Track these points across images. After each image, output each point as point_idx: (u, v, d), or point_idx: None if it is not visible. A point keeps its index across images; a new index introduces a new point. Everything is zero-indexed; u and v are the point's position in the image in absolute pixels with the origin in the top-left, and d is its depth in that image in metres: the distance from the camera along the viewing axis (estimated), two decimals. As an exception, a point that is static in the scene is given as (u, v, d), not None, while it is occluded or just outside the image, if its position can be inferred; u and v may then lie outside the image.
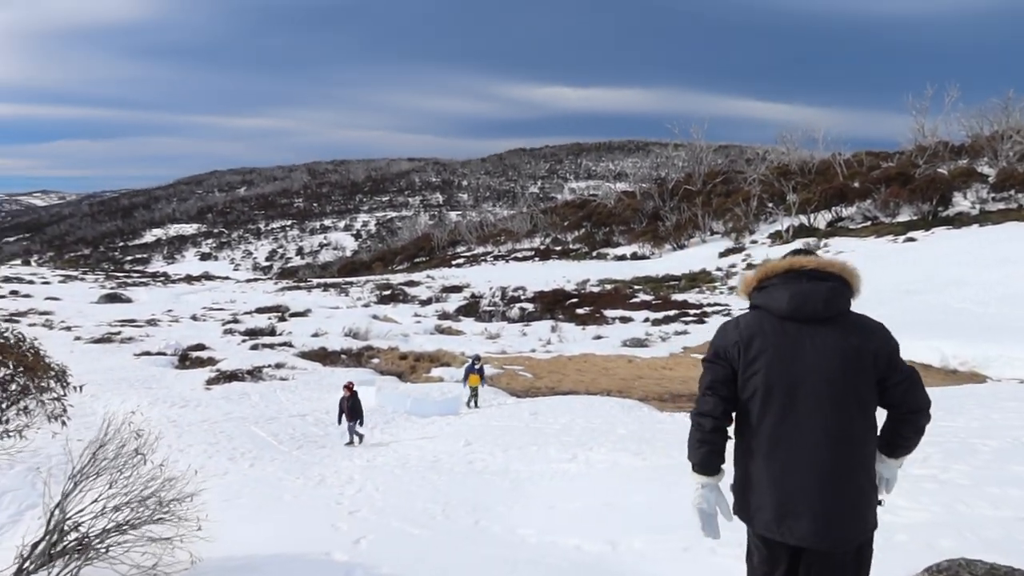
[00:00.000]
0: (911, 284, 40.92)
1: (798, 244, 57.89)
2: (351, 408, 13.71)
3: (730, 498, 2.98)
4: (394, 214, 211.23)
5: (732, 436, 2.94)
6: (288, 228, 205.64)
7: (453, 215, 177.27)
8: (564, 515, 6.95)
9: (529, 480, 8.86)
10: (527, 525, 6.78)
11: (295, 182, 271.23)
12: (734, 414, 2.91)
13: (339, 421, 13.86)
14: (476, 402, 18.10)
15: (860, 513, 2.77)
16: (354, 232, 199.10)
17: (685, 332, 34.47)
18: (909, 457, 3.02)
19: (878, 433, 2.90)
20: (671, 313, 40.16)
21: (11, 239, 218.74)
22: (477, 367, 18.68)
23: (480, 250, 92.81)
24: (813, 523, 2.72)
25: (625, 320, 39.47)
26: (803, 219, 65.53)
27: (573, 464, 9.43)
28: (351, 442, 13.55)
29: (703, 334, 33.37)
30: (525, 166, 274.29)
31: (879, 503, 2.88)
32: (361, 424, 13.78)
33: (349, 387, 14.26)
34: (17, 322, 34.90)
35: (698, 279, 53.52)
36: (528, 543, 6.24)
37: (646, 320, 38.56)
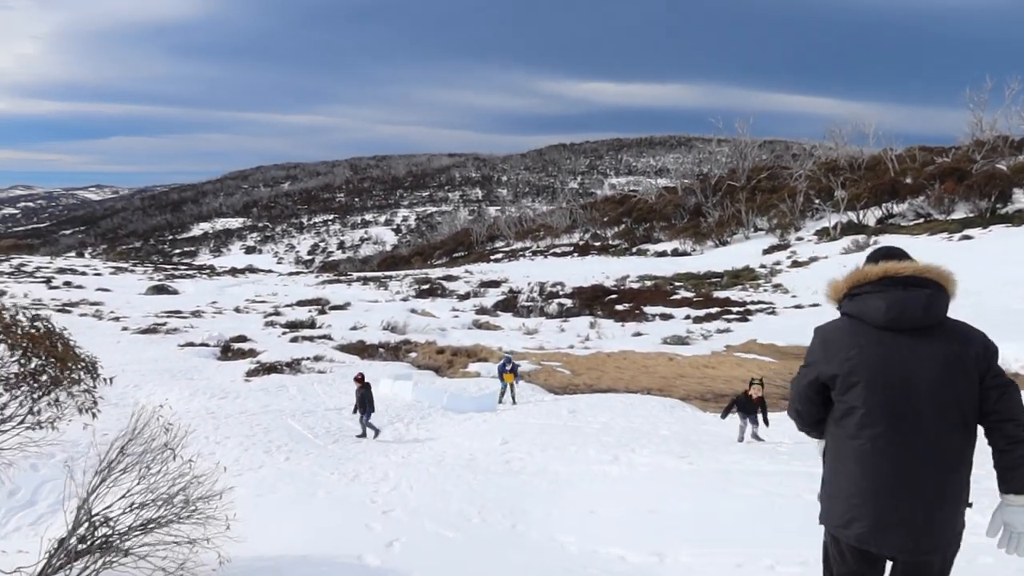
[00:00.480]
0: (966, 283, 38.95)
1: (846, 242, 56.47)
2: (362, 400, 13.49)
3: (816, 507, 3.01)
4: (434, 209, 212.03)
5: (825, 442, 2.99)
6: (330, 223, 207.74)
7: (492, 210, 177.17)
8: (606, 522, 6.63)
9: (568, 482, 8.55)
10: (567, 531, 6.48)
11: (337, 177, 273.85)
12: (830, 425, 2.93)
13: (354, 411, 13.77)
14: (513, 397, 17.83)
15: (954, 524, 2.77)
16: (394, 227, 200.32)
17: (728, 330, 33.75)
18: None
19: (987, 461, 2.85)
20: (713, 310, 39.42)
21: (67, 232, 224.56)
22: (509, 368, 18.38)
23: (519, 245, 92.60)
24: (911, 536, 2.71)
25: (666, 317, 38.83)
26: (851, 216, 63.91)
27: (614, 466, 9.09)
28: (363, 434, 13.36)
29: (746, 332, 32.65)
30: (565, 161, 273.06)
31: (969, 505, 2.83)
32: (371, 416, 13.53)
33: (360, 378, 14.01)
34: (69, 312, 35.76)
35: (741, 276, 52.53)
36: (568, 551, 5.94)
37: (687, 317, 37.89)
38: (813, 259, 55.19)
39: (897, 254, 2.97)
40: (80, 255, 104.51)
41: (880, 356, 2.73)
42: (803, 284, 46.50)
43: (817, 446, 3.12)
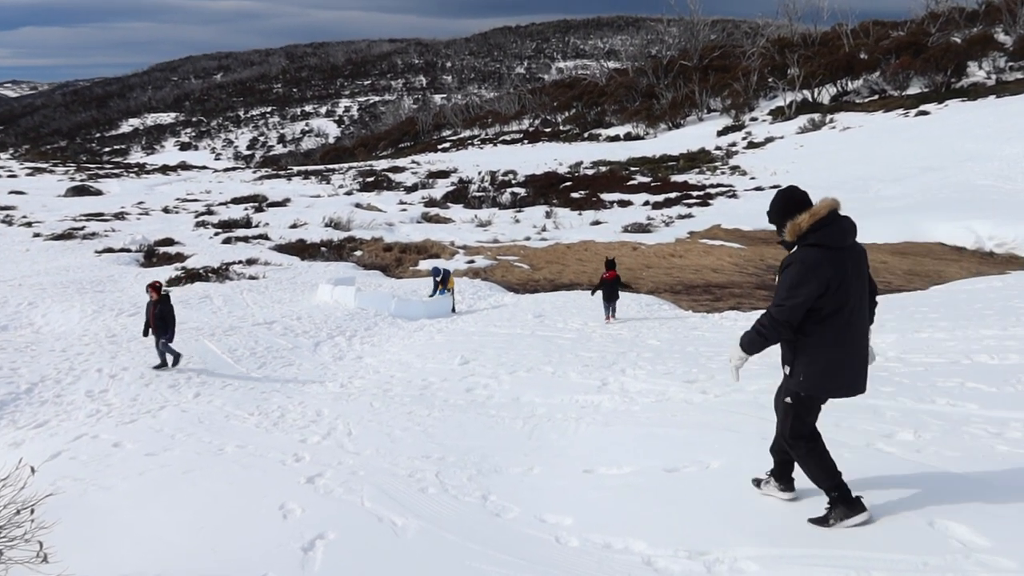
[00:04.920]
0: (927, 160, 38.37)
1: (802, 121, 54.95)
2: (159, 317, 10.22)
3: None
4: (377, 98, 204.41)
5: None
6: (268, 115, 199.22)
7: (438, 98, 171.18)
8: (610, 492, 4.85)
9: (549, 420, 6.74)
10: (559, 507, 4.68)
11: (273, 67, 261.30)
12: (813, 326, 3.83)
13: (144, 333, 10.53)
14: (454, 306, 15.95)
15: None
16: (336, 118, 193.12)
17: (689, 215, 32.30)
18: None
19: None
20: (672, 196, 37.86)
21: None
22: (440, 277, 16.38)
23: (467, 134, 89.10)
24: (862, 381, 3.98)
25: (624, 204, 37.13)
26: (806, 94, 62.18)
27: (604, 395, 7.28)
28: (162, 364, 10.31)
29: (709, 217, 31.17)
30: (511, 46, 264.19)
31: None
32: (169, 340, 10.35)
33: (156, 287, 10.55)
34: (-28, 218, 32.33)
35: (697, 159, 50.81)
36: (566, 546, 4.15)
37: (646, 204, 36.32)
38: (769, 139, 53.61)
39: (806, 195, 3.92)
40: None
41: (844, 267, 3.78)
42: (760, 165, 45.04)
43: (740, 362, 4.13)
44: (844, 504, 3.89)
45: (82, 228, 29.97)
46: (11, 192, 43.13)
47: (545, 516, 4.59)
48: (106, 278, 19.23)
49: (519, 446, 6.13)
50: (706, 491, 4.59)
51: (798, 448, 4.05)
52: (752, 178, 42.10)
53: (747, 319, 11.40)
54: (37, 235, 28.26)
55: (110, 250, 24.79)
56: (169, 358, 10.37)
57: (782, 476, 4.32)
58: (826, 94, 62.66)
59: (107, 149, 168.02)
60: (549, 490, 5.06)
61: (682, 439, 5.56)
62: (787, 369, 4.01)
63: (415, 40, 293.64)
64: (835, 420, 5.52)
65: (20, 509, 3.64)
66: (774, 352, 8.63)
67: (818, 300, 3.70)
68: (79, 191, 45.42)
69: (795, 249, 3.84)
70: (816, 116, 54.80)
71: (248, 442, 6.82)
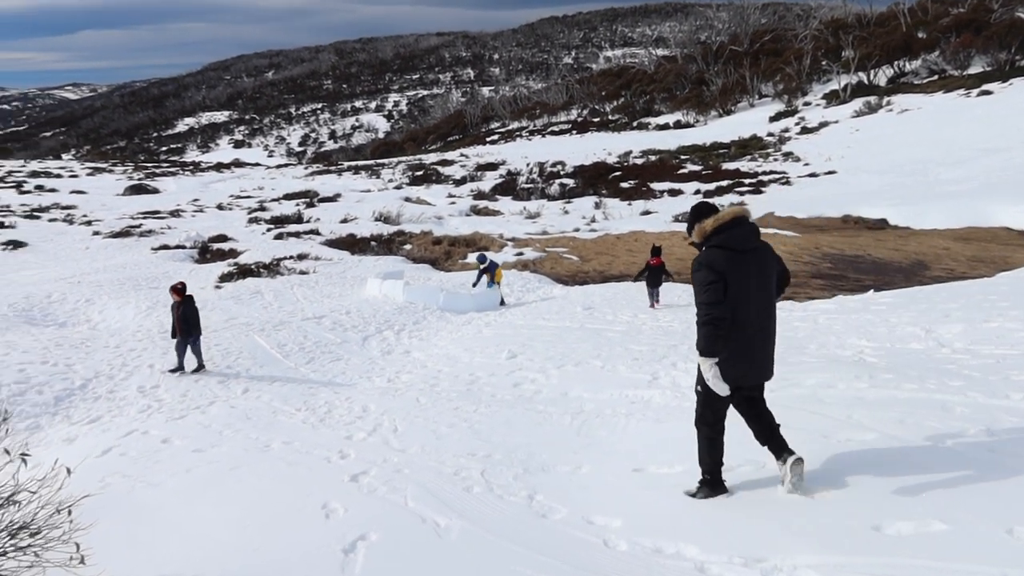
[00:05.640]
0: (990, 141, 36.85)
1: (858, 104, 53.38)
2: (183, 319, 9.96)
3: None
4: (425, 92, 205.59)
5: None
6: (319, 112, 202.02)
7: (485, 91, 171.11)
8: (661, 493, 4.65)
9: (597, 415, 6.56)
10: (608, 508, 4.50)
11: (323, 63, 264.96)
12: None
13: (172, 335, 10.16)
14: (502, 298, 15.80)
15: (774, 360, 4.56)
16: (385, 113, 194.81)
17: (742, 203, 31.48)
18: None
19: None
20: (724, 183, 37.14)
21: (48, 133, 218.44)
22: (484, 266, 16.20)
23: (515, 125, 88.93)
24: (765, 370, 4.48)
25: (674, 193, 36.54)
26: (862, 76, 60.37)
27: (655, 390, 7.06)
28: (179, 368, 9.99)
29: (761, 205, 30.43)
30: (558, 36, 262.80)
31: None
32: (197, 340, 10.10)
33: (177, 289, 10.26)
34: (38, 218, 33.42)
35: (749, 146, 49.74)
36: (615, 550, 3.97)
37: (697, 192, 35.66)
38: (823, 124, 52.19)
39: (715, 207, 4.41)
40: (57, 157, 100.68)
41: (741, 267, 4.17)
42: (814, 151, 43.85)
43: (713, 368, 4.27)
44: (711, 487, 4.49)
45: (139, 226, 30.70)
46: (72, 192, 44.51)
47: (593, 517, 4.42)
48: (161, 275, 19.62)
49: (567, 443, 5.97)
50: (762, 492, 4.36)
51: (700, 432, 4.56)
52: (806, 164, 41.02)
53: (803, 309, 11.03)
54: (96, 233, 29.02)
55: (165, 247, 25.32)
56: (192, 362, 10.14)
57: (777, 450, 4.44)
58: (883, 76, 60.77)
59: (164, 148, 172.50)
60: (597, 489, 4.88)
61: (736, 436, 5.31)
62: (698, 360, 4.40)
63: (462, 33, 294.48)
64: (900, 416, 5.22)
65: (59, 509, 3.61)
66: (833, 344, 8.30)
67: (730, 297, 4.11)
68: (137, 190, 46.64)
69: (703, 250, 4.33)
70: (872, 99, 53.17)
71: (294, 438, 6.80)
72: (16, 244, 25.41)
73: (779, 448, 4.41)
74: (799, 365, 6.99)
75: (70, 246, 26.04)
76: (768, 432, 4.49)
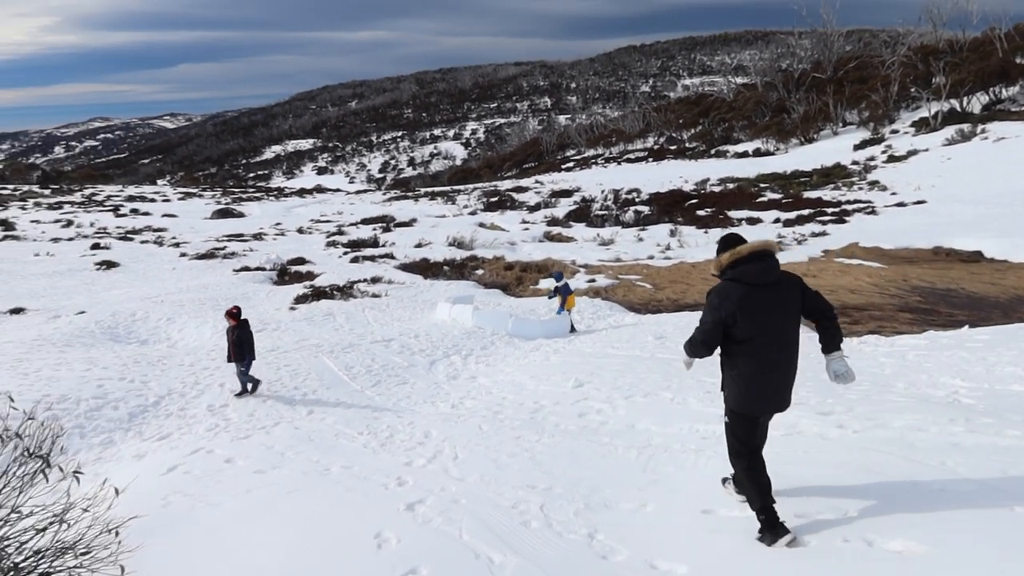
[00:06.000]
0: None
1: (949, 132, 51.18)
2: (237, 343, 9.90)
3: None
4: (502, 121, 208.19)
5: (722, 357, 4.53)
6: (399, 139, 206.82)
7: (562, 119, 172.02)
8: (731, 538, 4.32)
9: (665, 451, 6.24)
10: (672, 552, 4.21)
11: (404, 93, 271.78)
12: (730, 345, 4.39)
13: (228, 359, 10.13)
14: (573, 324, 15.45)
15: (791, 392, 4.54)
16: (463, 141, 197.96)
17: (824, 233, 30.49)
18: None
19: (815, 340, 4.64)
20: (805, 212, 35.96)
21: (146, 160, 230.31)
22: (559, 284, 15.82)
23: (590, 153, 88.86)
24: (781, 400, 4.47)
25: (752, 221, 35.60)
26: (954, 103, 57.89)
27: (727, 426, 6.69)
28: (243, 391, 10.01)
29: (845, 235, 29.31)
30: (636, 64, 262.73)
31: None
32: (249, 365, 10.08)
33: (232, 313, 10.20)
34: (131, 239, 35.04)
35: (832, 175, 48.19)
36: (680, 601, 3.67)
37: (776, 221, 34.63)
38: (912, 152, 50.19)
39: (743, 240, 4.42)
40: (152, 182, 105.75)
41: (756, 301, 4.25)
42: (902, 180, 42.13)
43: (686, 365, 4.80)
44: (770, 529, 4.26)
45: (223, 248, 31.77)
46: (164, 215, 46.57)
47: (656, 562, 4.13)
48: (240, 295, 20.12)
49: (632, 479, 5.67)
50: (843, 542, 3.98)
51: (737, 466, 4.58)
52: (893, 193, 39.44)
53: (890, 344, 10.40)
54: (183, 255, 30.16)
55: (246, 269, 26.08)
56: (249, 385, 10.15)
57: (770, 524, 4.36)
58: (976, 103, 58.21)
59: (251, 175, 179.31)
60: (663, 531, 4.58)
61: (815, 480, 4.93)
62: (723, 392, 4.61)
63: (540, 62, 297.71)
64: (1002, 466, 4.74)
65: (108, 530, 3.56)
66: (923, 383, 7.74)
67: (733, 327, 4.26)
68: (223, 213, 48.44)
69: (720, 282, 4.48)
70: (965, 127, 50.87)
71: (354, 462, 6.71)
72: (109, 264, 26.62)
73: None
74: (885, 404, 6.51)
75: (158, 267, 27.09)
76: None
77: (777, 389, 4.41)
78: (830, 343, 4.52)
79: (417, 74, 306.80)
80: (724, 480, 5.10)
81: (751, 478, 4.42)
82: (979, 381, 7.36)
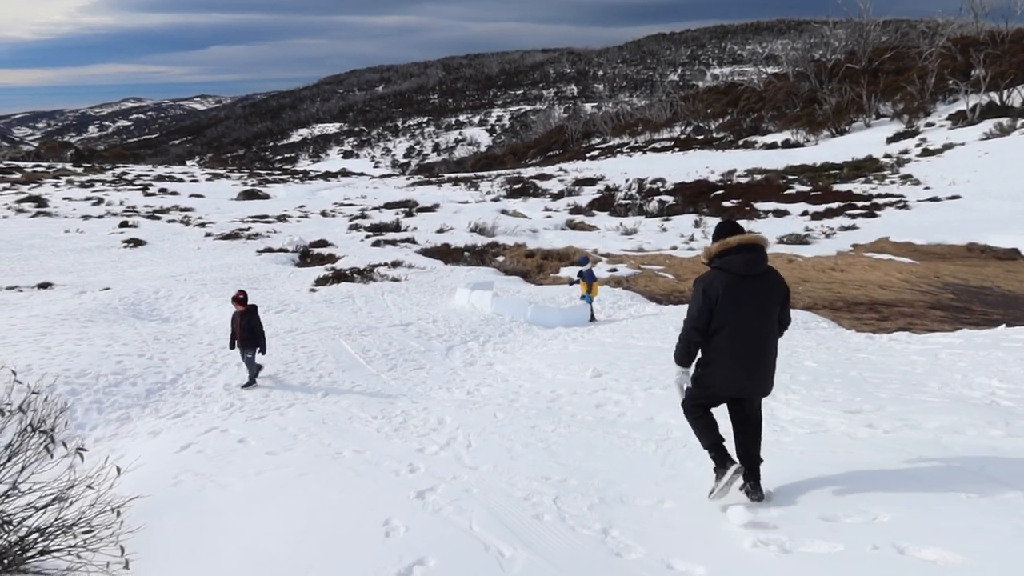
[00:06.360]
0: None
1: (987, 126, 50.06)
2: (247, 329, 9.42)
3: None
4: (528, 108, 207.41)
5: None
6: (424, 125, 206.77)
7: (588, 107, 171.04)
8: (757, 539, 4.12)
9: (685, 445, 6.04)
10: (690, 551, 4.02)
11: (430, 78, 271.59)
12: (712, 332, 4.58)
13: (231, 346, 9.66)
14: (593, 313, 15.17)
15: (772, 379, 4.71)
16: (488, 127, 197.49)
17: (853, 227, 29.95)
18: None
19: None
20: (834, 205, 35.36)
21: (176, 141, 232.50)
22: (585, 268, 15.45)
23: (616, 141, 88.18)
24: (753, 386, 4.65)
25: (780, 214, 35.06)
26: (993, 96, 56.58)
27: (750, 421, 6.46)
28: (252, 382, 9.40)
29: (875, 229, 28.74)
30: (664, 53, 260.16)
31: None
32: (262, 352, 9.56)
33: (239, 299, 9.70)
34: (159, 218, 35.28)
35: (863, 167, 47.33)
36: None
37: (804, 214, 34.10)
38: (948, 146, 49.12)
39: (739, 228, 4.73)
40: (181, 163, 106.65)
41: (739, 290, 4.48)
42: (937, 174, 41.26)
43: (679, 387, 4.93)
44: (720, 463, 4.68)
45: (247, 229, 31.85)
46: (191, 195, 46.86)
47: (673, 561, 3.95)
48: (262, 276, 20.13)
49: (650, 473, 5.49)
50: (874, 547, 3.77)
51: (688, 417, 4.89)
52: (927, 188, 38.62)
53: (921, 342, 10.09)
54: (208, 235, 30.28)
55: (269, 250, 26.11)
56: (255, 374, 9.62)
57: (719, 458, 4.75)
58: (1017, 96, 56.82)
59: (278, 157, 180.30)
60: (681, 529, 4.40)
61: (844, 482, 4.72)
62: (692, 365, 4.82)
63: (567, 49, 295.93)
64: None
65: (112, 509, 3.45)
66: (958, 383, 7.45)
67: (721, 313, 4.47)
68: (249, 195, 48.63)
69: (707, 270, 4.69)
70: (1005, 120, 49.73)
71: (366, 447, 6.58)
72: (136, 242, 26.79)
73: (748, 470, 4.73)
74: (918, 404, 6.25)
75: (184, 246, 27.21)
76: (741, 450, 4.79)
77: (750, 375, 4.58)
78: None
79: (444, 59, 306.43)
80: (711, 492, 4.82)
81: (699, 426, 4.78)
82: (1018, 382, 7.06)
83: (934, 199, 35.41)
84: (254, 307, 9.93)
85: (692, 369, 4.77)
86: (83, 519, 3.35)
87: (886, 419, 5.86)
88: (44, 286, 17.74)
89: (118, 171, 63.11)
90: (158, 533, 4.87)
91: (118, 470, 3.66)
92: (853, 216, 32.50)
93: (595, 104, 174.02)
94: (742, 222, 32.95)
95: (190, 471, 6.15)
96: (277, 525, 4.90)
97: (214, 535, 4.86)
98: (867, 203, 35.57)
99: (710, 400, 4.77)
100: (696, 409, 4.80)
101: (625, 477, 5.44)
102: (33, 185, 48.01)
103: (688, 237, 29.55)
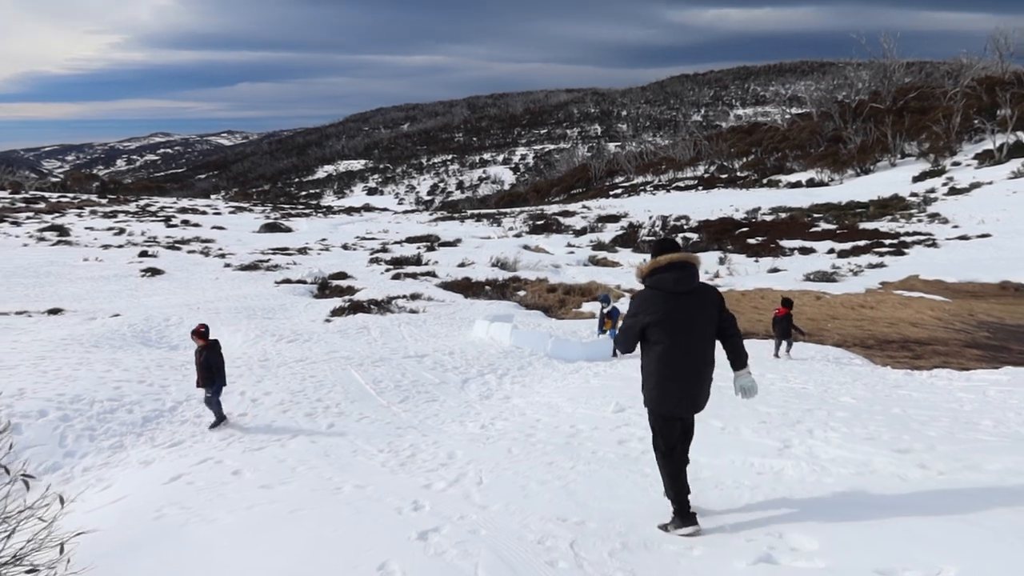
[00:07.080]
0: None
1: (1015, 165, 49.25)
2: (206, 366, 8.58)
3: (639, 397, 5.38)
4: (552, 147, 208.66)
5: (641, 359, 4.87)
6: (449, 163, 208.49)
7: (611, 146, 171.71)
8: (801, 595, 3.58)
9: (715, 486, 5.49)
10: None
11: (455, 117, 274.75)
12: (646, 348, 4.75)
13: (198, 384, 8.69)
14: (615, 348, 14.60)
15: (706, 395, 4.82)
16: (512, 166, 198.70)
17: (881, 265, 29.27)
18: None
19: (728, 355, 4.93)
20: (861, 243, 34.69)
21: (202, 176, 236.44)
22: (607, 309, 14.96)
23: (639, 180, 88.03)
24: (690, 404, 4.78)
25: (806, 251, 34.44)
26: (1020, 136, 55.76)
27: (787, 460, 5.88)
28: (220, 420, 8.57)
29: (904, 267, 28.02)
30: (688, 93, 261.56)
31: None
32: (219, 390, 8.69)
33: (201, 333, 8.81)
34: (179, 249, 35.36)
35: (889, 206, 46.62)
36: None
37: (831, 251, 33.48)
38: (975, 185, 48.33)
39: (675, 246, 4.73)
40: (207, 197, 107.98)
41: (671, 308, 4.60)
42: (965, 213, 40.47)
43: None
44: (681, 517, 4.72)
45: (267, 260, 31.78)
46: (213, 227, 47.15)
47: (706, 622, 3.42)
48: (278, 307, 19.84)
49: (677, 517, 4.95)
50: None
51: (656, 456, 4.97)
52: (955, 226, 37.85)
53: (965, 379, 9.46)
54: (227, 265, 30.21)
55: (288, 281, 25.93)
56: (216, 414, 8.70)
57: (680, 513, 4.76)
58: (1044, 136, 56.07)
59: (303, 193, 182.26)
60: (712, 580, 3.86)
61: (898, 528, 4.16)
62: (642, 391, 4.95)
63: (591, 90, 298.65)
64: None
65: (60, 544, 3.00)
66: (1013, 421, 6.85)
67: (645, 330, 4.64)
68: (271, 228, 48.87)
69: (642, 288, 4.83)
70: (1032, 161, 48.95)
71: (369, 482, 6.09)
72: (154, 271, 26.74)
73: (685, 513, 4.72)
74: (973, 443, 5.67)
75: (202, 276, 27.11)
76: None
77: (685, 393, 4.69)
78: (736, 361, 4.86)
79: (469, 98, 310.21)
80: (664, 526, 4.84)
81: (667, 470, 4.82)
82: (1078, 422, 6.46)
83: (963, 237, 34.66)
84: (216, 342, 9.02)
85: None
86: (18, 556, 2.91)
87: (939, 459, 5.29)
88: (54, 312, 17.55)
89: (142, 203, 63.87)
90: (132, 570, 4.41)
91: (61, 500, 3.22)
92: (881, 254, 31.83)
93: (619, 143, 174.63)
94: (767, 259, 32.45)
95: (176, 504, 5.70)
96: (263, 565, 4.43)
97: (194, 573, 4.40)
98: (895, 241, 34.89)
99: (670, 429, 4.83)
100: (661, 445, 4.88)
101: (649, 520, 4.91)
102: (56, 215, 48.55)
103: (713, 273, 29.01)
